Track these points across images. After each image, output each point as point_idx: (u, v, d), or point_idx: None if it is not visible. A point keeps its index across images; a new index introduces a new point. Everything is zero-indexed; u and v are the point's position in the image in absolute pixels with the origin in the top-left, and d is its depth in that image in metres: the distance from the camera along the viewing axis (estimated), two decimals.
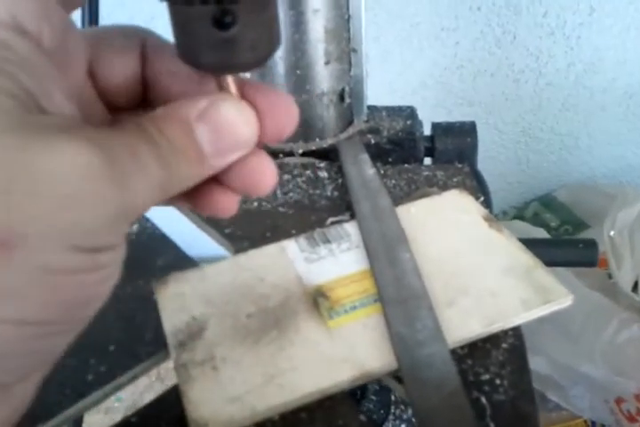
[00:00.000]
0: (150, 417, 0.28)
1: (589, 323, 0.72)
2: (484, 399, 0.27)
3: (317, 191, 0.42)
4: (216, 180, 0.21)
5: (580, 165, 1.07)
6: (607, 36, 0.89)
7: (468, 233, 0.35)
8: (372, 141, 0.48)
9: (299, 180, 0.43)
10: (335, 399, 0.28)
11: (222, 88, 0.20)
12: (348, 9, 0.43)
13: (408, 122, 0.50)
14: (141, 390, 0.76)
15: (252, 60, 0.20)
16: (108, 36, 0.21)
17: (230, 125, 0.19)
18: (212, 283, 0.32)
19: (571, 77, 0.94)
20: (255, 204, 0.41)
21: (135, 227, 0.38)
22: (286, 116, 0.20)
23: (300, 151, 0.46)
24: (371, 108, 0.51)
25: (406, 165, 0.44)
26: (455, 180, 0.42)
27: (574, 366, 0.72)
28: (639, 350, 0.69)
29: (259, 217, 0.39)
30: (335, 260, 0.33)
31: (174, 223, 0.34)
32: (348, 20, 0.44)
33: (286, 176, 0.43)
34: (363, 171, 0.41)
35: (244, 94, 0.20)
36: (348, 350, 0.28)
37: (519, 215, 1.07)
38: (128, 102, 0.22)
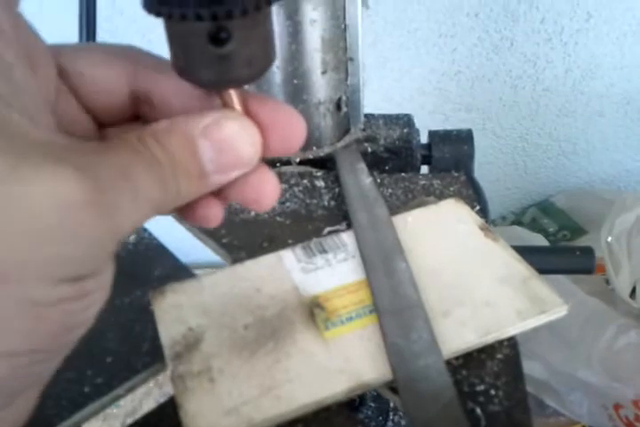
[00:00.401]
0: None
1: (587, 329, 0.72)
2: (478, 410, 0.27)
3: (314, 201, 0.42)
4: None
5: (578, 171, 1.07)
6: (604, 43, 0.89)
7: (464, 243, 0.35)
8: (369, 150, 0.48)
9: (296, 189, 0.43)
10: (331, 410, 0.28)
11: (225, 103, 0.20)
12: (344, 19, 0.43)
13: (405, 130, 0.50)
14: (140, 396, 0.76)
15: (248, 76, 0.20)
16: (91, 51, 0.20)
17: (233, 143, 0.19)
18: (208, 294, 0.32)
19: (568, 83, 0.94)
20: (252, 213, 0.41)
21: (132, 237, 0.38)
22: (292, 130, 0.20)
23: (297, 160, 0.46)
24: (367, 116, 0.51)
25: (403, 174, 0.44)
26: (452, 189, 0.42)
27: (572, 371, 0.72)
28: (637, 355, 0.69)
29: (255, 227, 0.39)
30: (332, 270, 0.34)
31: (172, 233, 0.34)
32: (345, 30, 0.44)
33: (283, 185, 0.43)
34: (359, 180, 0.41)
35: (247, 108, 0.20)
36: (344, 361, 0.29)
37: (517, 221, 1.08)
38: (115, 118, 0.21)
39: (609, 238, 0.80)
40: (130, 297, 0.34)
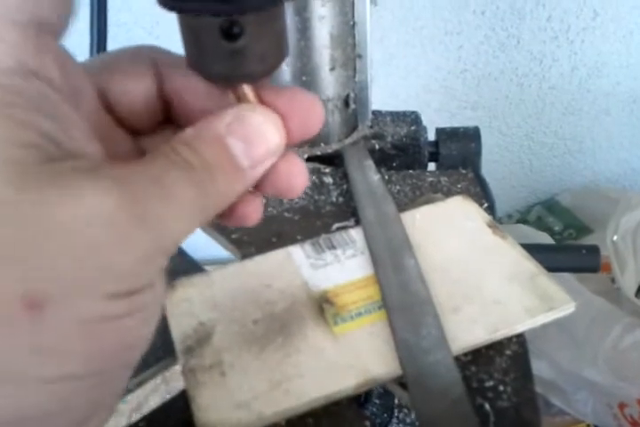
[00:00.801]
0: (157, 422, 0.29)
1: (593, 328, 0.72)
2: (487, 406, 0.28)
3: (322, 197, 0.42)
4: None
5: (584, 170, 1.07)
6: (611, 41, 0.89)
7: (473, 240, 0.35)
8: (377, 147, 0.48)
9: None
10: (341, 405, 0.28)
11: (240, 98, 0.20)
12: (353, 16, 0.43)
13: (412, 127, 0.50)
14: (147, 392, 0.77)
15: (261, 71, 0.20)
16: (117, 61, 0.20)
17: (260, 134, 0.19)
18: (218, 288, 0.33)
19: (574, 81, 0.94)
20: None
21: None
22: (310, 115, 0.20)
23: (305, 156, 0.46)
24: (375, 113, 0.51)
25: (410, 171, 0.44)
26: (459, 186, 0.42)
27: (577, 370, 0.72)
28: None
29: (264, 223, 0.39)
30: (340, 266, 0.34)
31: None
32: (354, 27, 0.44)
33: None
34: (367, 177, 0.41)
35: (263, 100, 0.20)
36: (354, 357, 0.29)
37: (522, 219, 1.07)
38: (150, 124, 0.21)
39: (614, 237, 0.80)
40: None
